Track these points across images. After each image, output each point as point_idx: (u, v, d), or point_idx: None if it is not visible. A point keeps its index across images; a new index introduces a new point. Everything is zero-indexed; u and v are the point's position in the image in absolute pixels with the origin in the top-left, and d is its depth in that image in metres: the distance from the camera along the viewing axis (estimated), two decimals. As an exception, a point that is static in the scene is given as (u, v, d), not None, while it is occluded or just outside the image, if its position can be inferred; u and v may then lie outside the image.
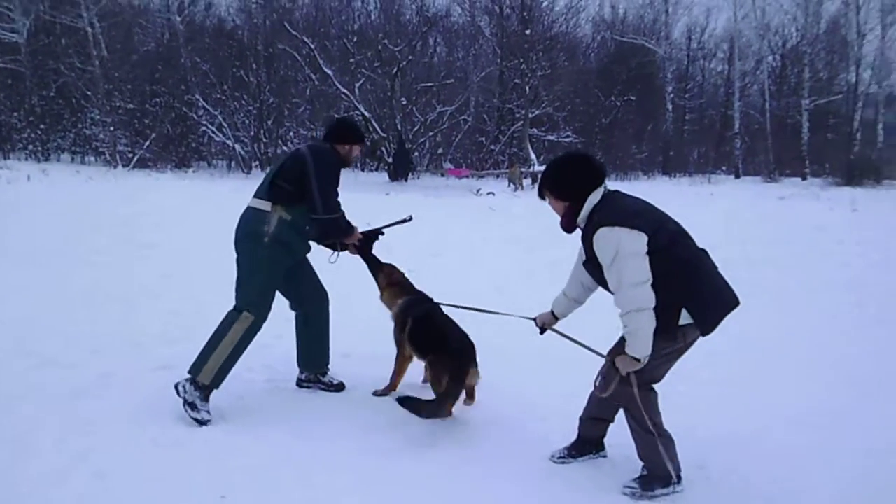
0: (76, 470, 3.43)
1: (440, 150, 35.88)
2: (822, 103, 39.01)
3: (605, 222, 3.15)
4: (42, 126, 29.86)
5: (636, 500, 3.38)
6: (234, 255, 4.27)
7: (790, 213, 15.48)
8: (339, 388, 4.68)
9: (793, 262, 9.38)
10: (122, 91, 29.78)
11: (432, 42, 37.88)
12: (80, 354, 5.07)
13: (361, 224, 4.65)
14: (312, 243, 4.52)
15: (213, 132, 30.27)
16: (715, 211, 14.88)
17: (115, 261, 8.46)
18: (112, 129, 29.05)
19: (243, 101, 30.60)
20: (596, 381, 3.51)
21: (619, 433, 3.58)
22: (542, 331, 3.95)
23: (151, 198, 14.67)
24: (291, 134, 32.24)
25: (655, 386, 3.40)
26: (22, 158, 28.82)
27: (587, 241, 3.29)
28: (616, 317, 3.18)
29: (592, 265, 3.30)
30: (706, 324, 3.20)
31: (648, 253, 3.09)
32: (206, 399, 4.07)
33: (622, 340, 3.26)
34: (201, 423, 3.99)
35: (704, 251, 3.33)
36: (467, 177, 29.67)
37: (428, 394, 4.16)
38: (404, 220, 4.99)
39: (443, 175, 31.42)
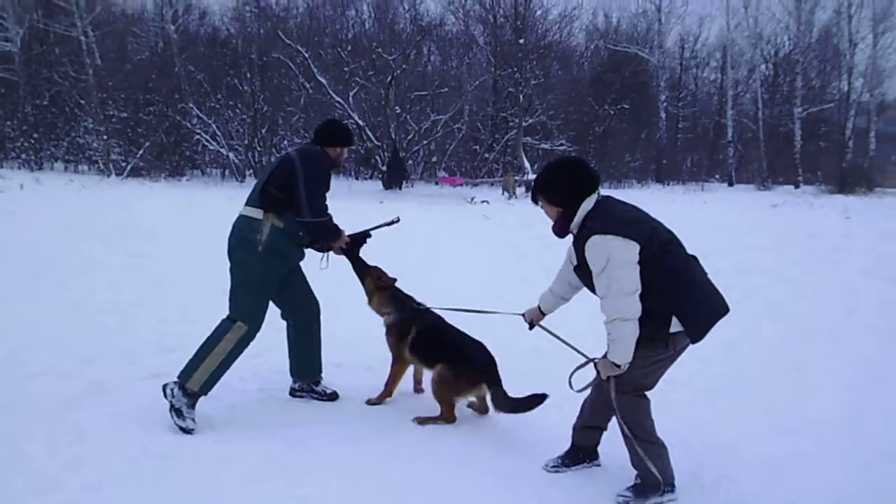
0: (67, 479, 3.41)
1: (434, 159, 35.87)
2: (814, 111, 39.15)
3: (598, 230, 3.16)
4: (35, 135, 29.73)
5: (629, 508, 3.39)
6: (228, 265, 4.25)
7: (783, 221, 15.53)
8: (333, 397, 4.65)
9: (785, 269, 9.41)
10: (115, 100, 29.68)
11: (426, 51, 37.93)
12: (72, 363, 5.04)
13: (351, 230, 4.64)
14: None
15: (207, 141, 30.19)
16: (708, 218, 14.92)
17: (108, 270, 8.42)
18: (105, 137, 28.96)
19: (237, 110, 30.53)
20: (570, 378, 3.52)
21: (613, 442, 3.58)
22: (531, 326, 3.98)
23: (145, 206, 14.63)
24: (286, 142, 32.16)
25: (649, 393, 3.41)
26: (15, 167, 28.66)
27: (579, 248, 3.30)
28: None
29: (583, 271, 3.31)
30: (696, 331, 3.21)
31: (640, 262, 3.11)
32: (192, 406, 4.04)
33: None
34: (186, 431, 3.96)
35: (694, 258, 3.34)
36: (461, 185, 29.71)
37: (420, 403, 4.16)
38: (391, 223, 4.93)
39: (437, 183, 31.42)
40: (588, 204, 3.29)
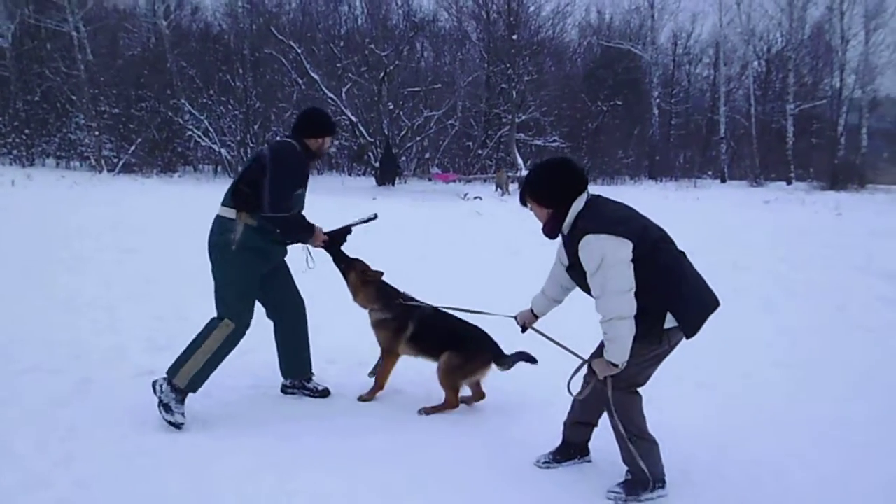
0: (58, 476, 3.40)
1: (427, 155, 35.91)
2: (806, 108, 39.36)
3: (591, 229, 3.14)
4: (27, 131, 29.63)
5: (620, 504, 3.39)
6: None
7: (775, 218, 15.59)
8: (325, 393, 4.63)
9: (777, 265, 9.45)
10: (107, 96, 29.62)
11: (419, 47, 37.94)
12: (62, 360, 5.02)
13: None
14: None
15: (200, 137, 30.13)
16: (701, 215, 14.96)
17: (99, 266, 8.40)
18: (97, 133, 28.88)
19: (230, 106, 30.48)
20: (569, 383, 3.51)
21: (604, 438, 3.58)
22: (524, 329, 3.96)
23: (136, 202, 14.61)
24: (278, 138, 32.14)
25: (640, 389, 3.41)
26: (6, 163, 28.56)
27: (571, 248, 3.28)
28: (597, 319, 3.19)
29: (576, 272, 3.30)
30: (690, 326, 3.21)
31: (633, 260, 3.11)
32: (181, 401, 4.01)
33: (602, 345, 3.27)
34: (175, 425, 3.95)
35: (682, 253, 3.35)
36: (454, 181, 29.75)
37: (411, 398, 4.15)
38: (369, 219, 4.79)
39: (430, 179, 31.47)
40: (578, 204, 3.27)
